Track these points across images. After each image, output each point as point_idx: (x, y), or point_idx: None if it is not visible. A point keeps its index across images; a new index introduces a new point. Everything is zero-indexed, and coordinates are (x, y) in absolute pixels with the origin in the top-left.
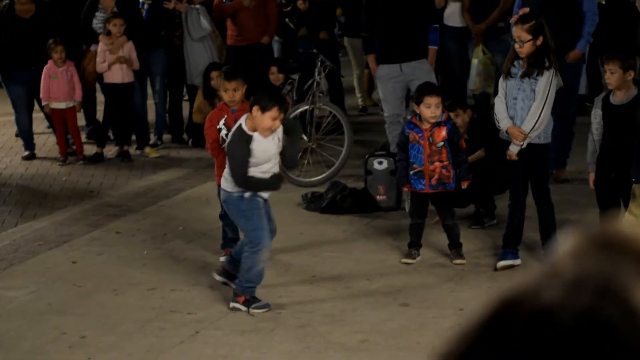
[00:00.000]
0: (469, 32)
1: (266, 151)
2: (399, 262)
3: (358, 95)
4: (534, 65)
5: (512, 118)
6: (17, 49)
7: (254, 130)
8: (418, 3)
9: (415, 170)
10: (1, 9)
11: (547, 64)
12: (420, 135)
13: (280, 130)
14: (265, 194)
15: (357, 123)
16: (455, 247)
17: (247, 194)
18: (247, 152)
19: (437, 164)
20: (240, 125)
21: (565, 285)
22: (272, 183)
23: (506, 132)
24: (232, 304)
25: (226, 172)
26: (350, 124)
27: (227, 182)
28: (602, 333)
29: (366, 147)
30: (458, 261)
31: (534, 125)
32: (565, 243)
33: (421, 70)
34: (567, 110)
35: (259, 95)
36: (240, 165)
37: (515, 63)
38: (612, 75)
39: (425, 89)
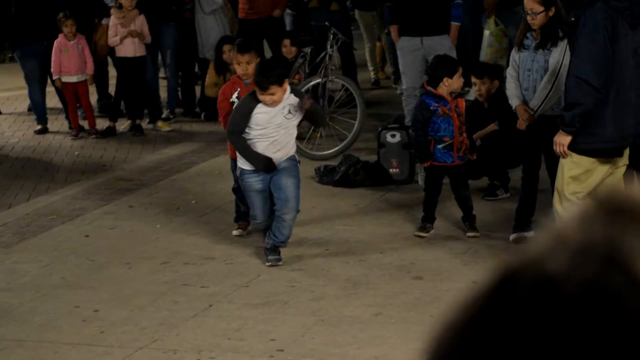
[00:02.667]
0: (482, 3)
1: (267, 118)
2: (412, 235)
3: (370, 68)
4: (548, 37)
5: (526, 89)
6: (29, 22)
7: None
8: None
9: (446, 143)
10: None
11: (560, 34)
12: (448, 107)
13: (292, 102)
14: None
15: (369, 96)
16: (468, 220)
17: (243, 173)
18: (247, 111)
19: (464, 134)
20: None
21: (570, 253)
22: (261, 163)
23: (514, 109)
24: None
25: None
26: (362, 97)
27: (239, 159)
28: (606, 303)
29: (379, 120)
30: (471, 234)
31: (544, 99)
32: (574, 209)
33: (442, 46)
34: None
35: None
36: (234, 120)
37: (528, 35)
38: None
39: (455, 61)
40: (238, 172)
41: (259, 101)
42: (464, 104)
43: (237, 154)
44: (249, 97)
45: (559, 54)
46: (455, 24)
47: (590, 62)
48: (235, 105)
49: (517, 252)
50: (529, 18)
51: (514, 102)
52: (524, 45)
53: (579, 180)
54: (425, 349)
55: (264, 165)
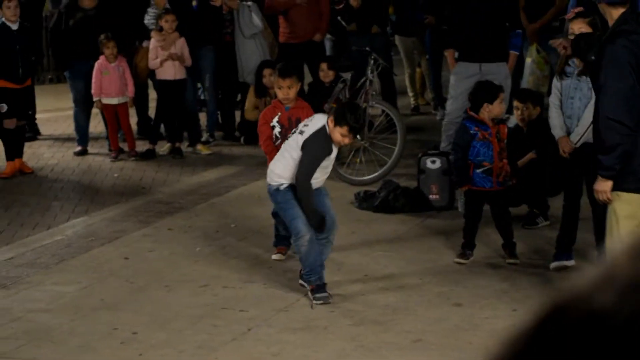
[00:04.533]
0: (524, 30)
1: (332, 158)
2: (452, 261)
3: (410, 94)
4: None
5: (569, 117)
6: (79, 41)
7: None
8: (505, 6)
9: (485, 168)
10: (66, 3)
11: None
12: (488, 132)
13: None
14: (316, 186)
15: (409, 122)
16: (508, 247)
17: (283, 186)
18: (326, 155)
19: (504, 160)
20: (324, 127)
21: (618, 288)
22: (315, 217)
23: (557, 140)
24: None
25: (272, 165)
26: (403, 123)
27: (274, 174)
28: None
29: (418, 146)
30: (511, 260)
31: (588, 127)
32: (623, 244)
33: (499, 74)
34: None
35: (339, 106)
36: (314, 166)
37: (570, 62)
38: None
39: (497, 87)
40: (275, 187)
41: (331, 142)
42: (506, 130)
43: (276, 172)
44: (324, 138)
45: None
46: (513, 53)
47: (620, 101)
48: (314, 155)
49: (565, 287)
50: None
51: (557, 132)
52: (566, 72)
53: (634, 217)
54: None
55: (318, 221)
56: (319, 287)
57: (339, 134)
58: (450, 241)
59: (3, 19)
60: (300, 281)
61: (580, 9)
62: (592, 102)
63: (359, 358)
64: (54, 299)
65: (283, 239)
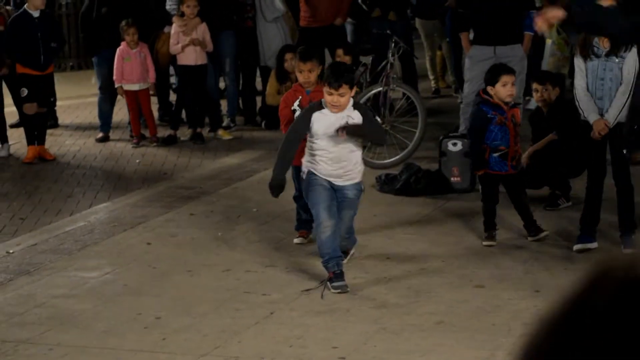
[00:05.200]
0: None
1: (324, 127)
2: (474, 244)
3: (431, 77)
4: (619, 42)
5: (600, 99)
6: (108, 28)
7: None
8: None
9: (502, 152)
10: None
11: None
12: (504, 116)
13: (356, 117)
14: (338, 181)
15: (430, 105)
16: (532, 225)
17: (306, 170)
18: (308, 118)
19: (519, 144)
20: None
21: None
22: (276, 186)
23: (592, 124)
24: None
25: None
26: (424, 106)
27: (304, 161)
28: None
29: (439, 129)
30: (542, 234)
31: (621, 109)
32: None
33: (515, 56)
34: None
35: (328, 65)
36: (293, 127)
37: (594, 43)
38: None
39: (501, 68)
40: (304, 173)
41: (322, 107)
42: (519, 114)
43: (303, 159)
44: (314, 103)
45: (634, 61)
46: (528, 34)
47: None
48: (301, 112)
49: (611, 255)
50: None
51: (592, 117)
52: (595, 53)
53: None
54: (528, 340)
55: (275, 185)
56: (337, 276)
57: (325, 94)
58: (472, 223)
59: (25, 7)
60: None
61: None
62: (625, 82)
63: (381, 341)
64: (78, 284)
65: (305, 222)
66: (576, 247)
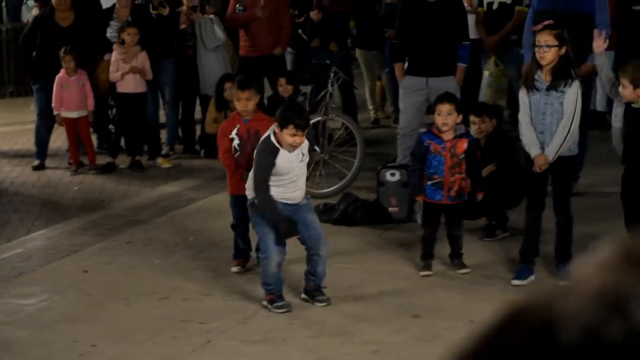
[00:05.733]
0: (482, 44)
1: (288, 166)
2: (411, 273)
3: (370, 107)
4: (560, 76)
5: (541, 133)
6: (51, 56)
7: (280, 143)
8: (452, 19)
9: (435, 181)
10: (41, 13)
11: (573, 74)
12: (442, 146)
13: (305, 145)
14: (293, 200)
15: (369, 135)
16: (457, 257)
17: (257, 201)
18: (271, 164)
19: (457, 175)
20: (269, 136)
21: (580, 297)
22: (281, 225)
23: (532, 158)
24: (263, 302)
25: (249, 179)
26: (362, 136)
27: (248, 189)
28: (602, 351)
29: (378, 159)
30: (464, 270)
31: (562, 144)
32: (595, 255)
33: (447, 88)
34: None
35: (279, 110)
36: (262, 176)
37: (536, 77)
38: (624, 89)
39: (438, 97)
40: (249, 202)
41: (278, 148)
42: (464, 145)
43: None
44: (266, 146)
45: (573, 96)
46: (461, 66)
47: None
48: (256, 160)
49: (527, 294)
50: (540, 52)
51: (533, 150)
52: (536, 87)
53: None
54: None
55: (285, 229)
56: (278, 297)
57: (287, 136)
58: (409, 253)
59: None
60: (304, 295)
61: (550, 21)
62: (566, 116)
63: None
64: (14, 311)
65: (242, 251)
66: (514, 282)
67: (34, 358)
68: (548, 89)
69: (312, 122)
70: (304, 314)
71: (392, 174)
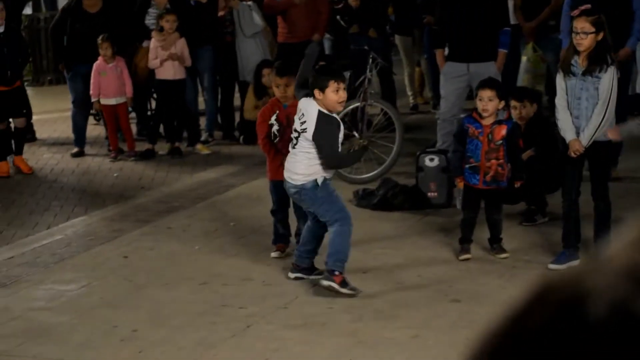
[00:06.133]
0: (520, 30)
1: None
2: (450, 258)
3: (409, 93)
4: (596, 62)
5: (577, 117)
6: (82, 44)
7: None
8: (492, 4)
9: (472, 164)
10: (69, 3)
11: (609, 60)
12: (480, 130)
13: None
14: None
15: (408, 121)
16: (497, 242)
17: (319, 181)
18: (339, 133)
19: (493, 161)
20: (320, 111)
21: (609, 273)
22: (359, 152)
23: (568, 143)
24: (326, 283)
25: (291, 168)
26: (401, 121)
27: (298, 175)
28: (630, 326)
29: (417, 144)
30: (503, 255)
31: (597, 129)
32: (624, 233)
33: (488, 73)
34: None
35: (310, 79)
36: (335, 147)
37: (573, 62)
38: None
39: (480, 83)
40: (319, 180)
41: (339, 122)
42: (502, 131)
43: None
44: (331, 121)
45: (609, 82)
46: (502, 51)
47: None
48: (330, 135)
49: (559, 272)
50: (577, 38)
51: (568, 135)
52: (572, 72)
53: None
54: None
55: (363, 150)
56: (345, 280)
57: (332, 94)
58: (448, 238)
59: None
60: (297, 274)
61: (587, 6)
62: (601, 101)
63: (358, 354)
64: (54, 297)
65: (282, 236)
66: (551, 266)
67: (74, 343)
68: (584, 74)
69: (350, 107)
70: (343, 298)
71: (431, 159)
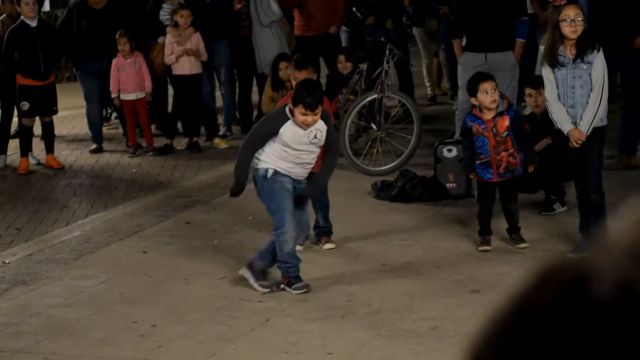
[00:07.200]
0: (537, 19)
1: (294, 138)
2: (469, 249)
3: (427, 84)
4: (586, 48)
5: (572, 107)
6: (89, 41)
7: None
8: None
9: (482, 160)
10: (74, 2)
11: (596, 46)
12: (483, 127)
13: (322, 128)
14: (297, 180)
15: (426, 112)
16: (515, 232)
17: (270, 174)
18: (273, 129)
19: (503, 153)
20: (286, 104)
21: (613, 254)
22: (238, 184)
23: (567, 134)
24: (280, 285)
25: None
26: (419, 113)
27: (256, 159)
28: (636, 307)
29: (435, 136)
30: (522, 245)
31: (595, 115)
32: (629, 214)
33: (506, 63)
34: (636, 96)
35: (295, 87)
36: (256, 135)
37: (560, 52)
38: None
39: (477, 78)
40: (268, 174)
41: (287, 118)
42: (505, 122)
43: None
44: (277, 112)
45: (601, 66)
46: (520, 41)
47: None
48: (263, 119)
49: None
50: (572, 25)
51: (566, 126)
52: (561, 62)
53: None
54: (471, 343)
55: (235, 189)
56: (296, 278)
57: (299, 115)
58: (467, 229)
59: (22, 17)
60: (241, 272)
61: None
62: (596, 87)
63: (376, 347)
64: (73, 293)
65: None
66: (570, 255)
67: (94, 339)
68: (574, 61)
69: (368, 99)
70: (361, 290)
71: (449, 150)
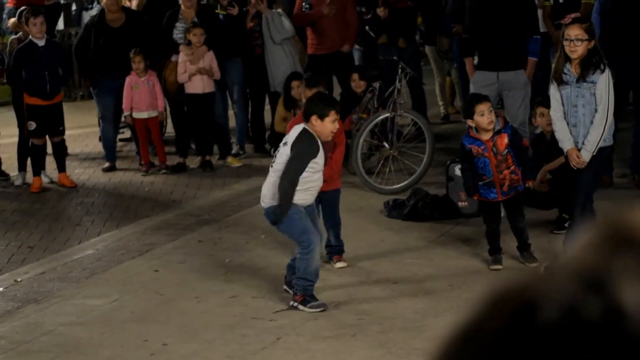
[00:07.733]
0: (550, 37)
1: (321, 154)
2: (481, 268)
3: (440, 103)
4: (589, 67)
5: (574, 126)
6: (107, 59)
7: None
8: (522, 12)
9: (486, 181)
10: (92, 19)
11: (602, 66)
12: (483, 147)
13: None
14: (308, 202)
15: (439, 130)
16: (526, 249)
17: (285, 193)
18: (311, 158)
19: (505, 171)
20: (307, 131)
21: (560, 278)
22: (282, 211)
23: (566, 152)
24: (291, 303)
25: (263, 189)
26: (431, 131)
27: (266, 197)
28: (580, 329)
29: (448, 154)
30: (534, 263)
31: (602, 136)
32: (583, 236)
33: (517, 82)
34: None
35: (309, 104)
36: (300, 173)
37: (565, 70)
38: None
39: (473, 99)
40: (272, 208)
41: (316, 140)
42: (504, 140)
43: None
44: (308, 141)
45: (605, 86)
46: (532, 59)
47: None
48: (299, 156)
49: (512, 276)
50: (571, 45)
51: (566, 145)
52: (566, 81)
53: None
54: None
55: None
56: (312, 297)
57: (330, 124)
58: (479, 247)
59: (30, 37)
60: (286, 287)
61: (577, 14)
62: (601, 108)
63: None
64: (85, 312)
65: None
66: None
67: (105, 357)
68: (578, 80)
69: (380, 118)
70: (373, 309)
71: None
